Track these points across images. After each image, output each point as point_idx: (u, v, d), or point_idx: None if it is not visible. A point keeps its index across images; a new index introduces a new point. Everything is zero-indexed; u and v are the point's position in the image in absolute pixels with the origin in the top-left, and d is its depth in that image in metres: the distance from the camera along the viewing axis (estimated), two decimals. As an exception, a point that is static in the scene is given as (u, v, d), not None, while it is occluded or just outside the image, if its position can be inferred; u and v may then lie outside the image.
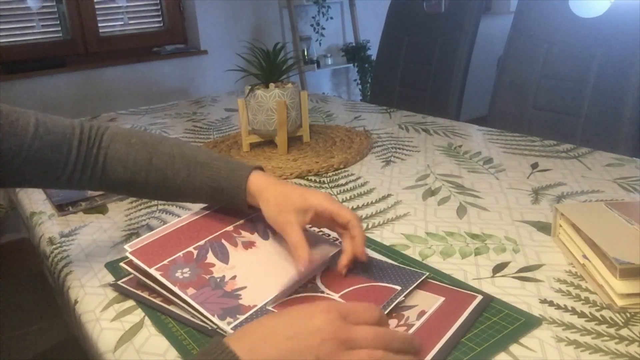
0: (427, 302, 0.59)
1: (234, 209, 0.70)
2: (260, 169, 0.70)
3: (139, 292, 0.64)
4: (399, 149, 1.17)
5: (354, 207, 0.88)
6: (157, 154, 0.70)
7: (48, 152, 0.67)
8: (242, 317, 0.57)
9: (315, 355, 0.44)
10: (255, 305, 0.58)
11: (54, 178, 0.68)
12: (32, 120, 0.67)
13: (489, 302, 0.59)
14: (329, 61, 3.47)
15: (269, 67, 1.16)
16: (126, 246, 0.64)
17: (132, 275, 0.66)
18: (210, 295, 0.59)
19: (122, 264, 0.66)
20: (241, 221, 0.71)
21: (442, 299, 0.59)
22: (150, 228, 0.86)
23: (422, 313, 0.57)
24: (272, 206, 0.65)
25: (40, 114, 0.68)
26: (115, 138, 0.71)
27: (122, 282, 0.67)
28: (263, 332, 0.45)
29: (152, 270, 0.61)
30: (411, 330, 0.54)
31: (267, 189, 0.66)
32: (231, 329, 0.55)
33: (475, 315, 0.56)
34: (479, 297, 0.59)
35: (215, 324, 0.56)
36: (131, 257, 0.63)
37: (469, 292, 0.60)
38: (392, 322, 0.56)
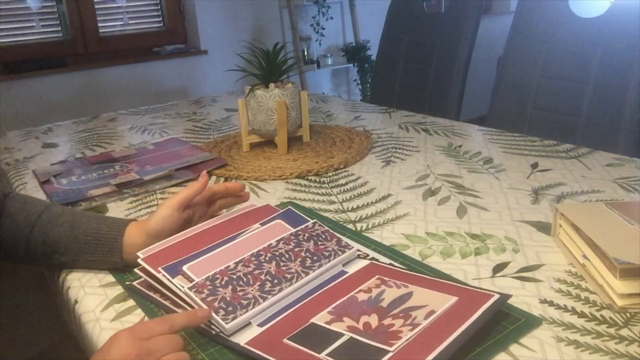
0: (438, 302, 0.57)
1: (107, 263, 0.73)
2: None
3: (150, 293, 0.65)
4: (399, 149, 1.17)
5: (354, 207, 0.88)
6: (49, 210, 0.75)
7: None
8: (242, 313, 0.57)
9: None
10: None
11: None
12: None
13: (505, 302, 0.56)
14: (329, 61, 3.47)
15: (269, 67, 1.15)
16: (138, 253, 0.65)
17: (143, 278, 0.66)
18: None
19: (136, 269, 0.66)
20: (257, 224, 0.72)
21: (455, 298, 0.57)
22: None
23: (431, 313, 0.55)
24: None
25: None
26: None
27: (137, 283, 0.67)
28: None
29: (160, 273, 0.62)
30: (416, 330, 0.52)
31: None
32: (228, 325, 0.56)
33: (489, 314, 0.54)
34: (495, 296, 0.56)
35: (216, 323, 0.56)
36: (142, 263, 0.64)
37: (485, 291, 0.58)
38: (398, 322, 0.54)
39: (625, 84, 1.26)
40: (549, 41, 1.43)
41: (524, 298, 0.60)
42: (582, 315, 0.57)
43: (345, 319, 0.56)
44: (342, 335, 0.54)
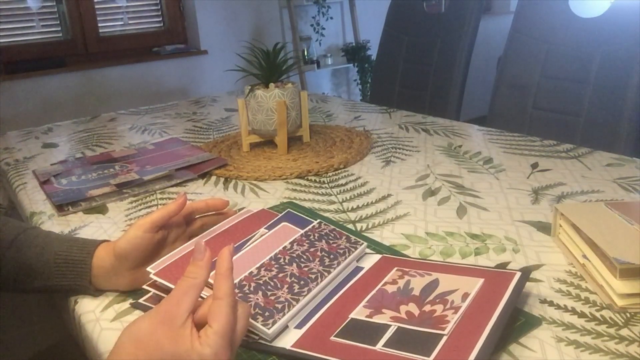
0: (467, 285, 0.58)
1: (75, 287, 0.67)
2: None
3: None
4: (399, 149, 1.17)
5: (354, 207, 0.88)
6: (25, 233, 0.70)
7: None
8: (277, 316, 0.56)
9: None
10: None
11: None
12: None
13: (527, 277, 0.59)
14: (329, 61, 3.47)
15: (269, 67, 1.15)
16: (149, 268, 0.63)
17: (151, 293, 0.64)
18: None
19: (145, 286, 0.64)
20: (262, 229, 0.71)
21: (482, 280, 0.59)
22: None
23: (466, 295, 0.57)
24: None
25: None
26: None
27: (144, 300, 0.65)
28: None
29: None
30: (459, 313, 0.54)
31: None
32: (269, 329, 0.54)
33: (519, 290, 0.56)
34: (518, 274, 0.59)
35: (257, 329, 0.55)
36: (157, 278, 0.62)
37: (506, 270, 0.61)
38: (439, 307, 0.55)
39: (625, 84, 1.26)
40: (549, 41, 1.43)
41: (523, 298, 0.60)
42: (582, 315, 0.57)
43: (384, 310, 0.57)
44: (388, 326, 0.54)
